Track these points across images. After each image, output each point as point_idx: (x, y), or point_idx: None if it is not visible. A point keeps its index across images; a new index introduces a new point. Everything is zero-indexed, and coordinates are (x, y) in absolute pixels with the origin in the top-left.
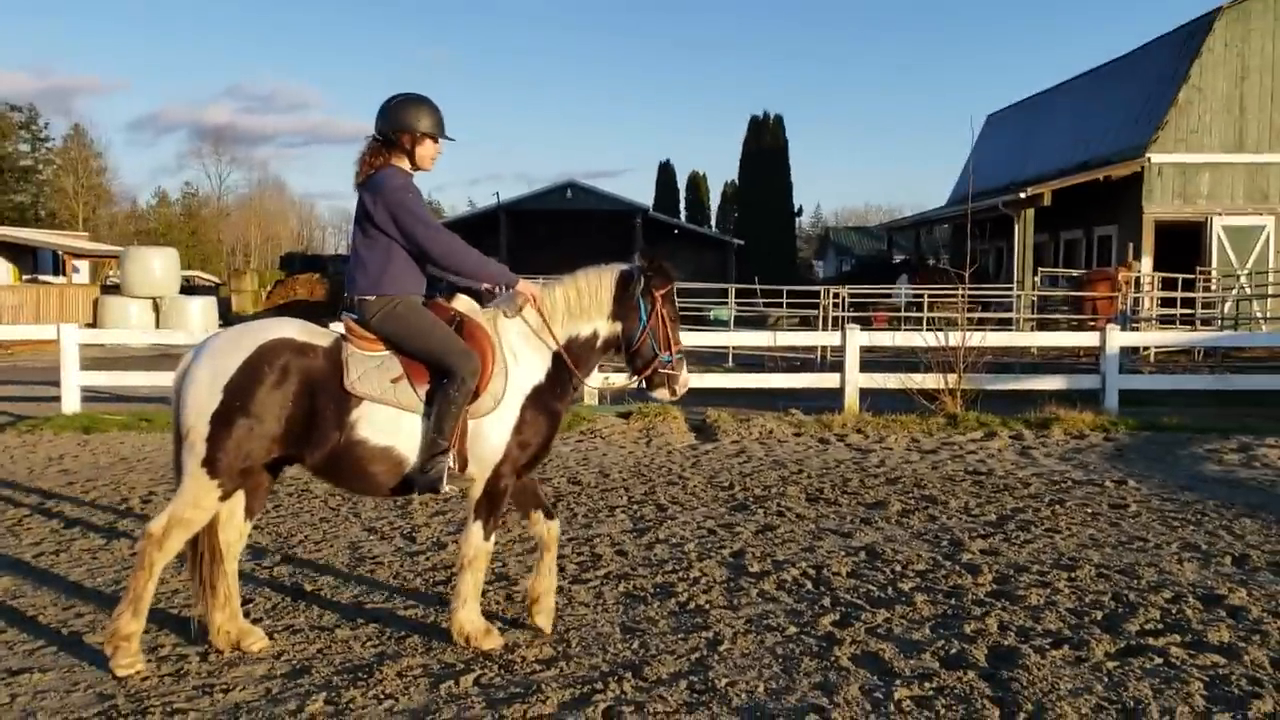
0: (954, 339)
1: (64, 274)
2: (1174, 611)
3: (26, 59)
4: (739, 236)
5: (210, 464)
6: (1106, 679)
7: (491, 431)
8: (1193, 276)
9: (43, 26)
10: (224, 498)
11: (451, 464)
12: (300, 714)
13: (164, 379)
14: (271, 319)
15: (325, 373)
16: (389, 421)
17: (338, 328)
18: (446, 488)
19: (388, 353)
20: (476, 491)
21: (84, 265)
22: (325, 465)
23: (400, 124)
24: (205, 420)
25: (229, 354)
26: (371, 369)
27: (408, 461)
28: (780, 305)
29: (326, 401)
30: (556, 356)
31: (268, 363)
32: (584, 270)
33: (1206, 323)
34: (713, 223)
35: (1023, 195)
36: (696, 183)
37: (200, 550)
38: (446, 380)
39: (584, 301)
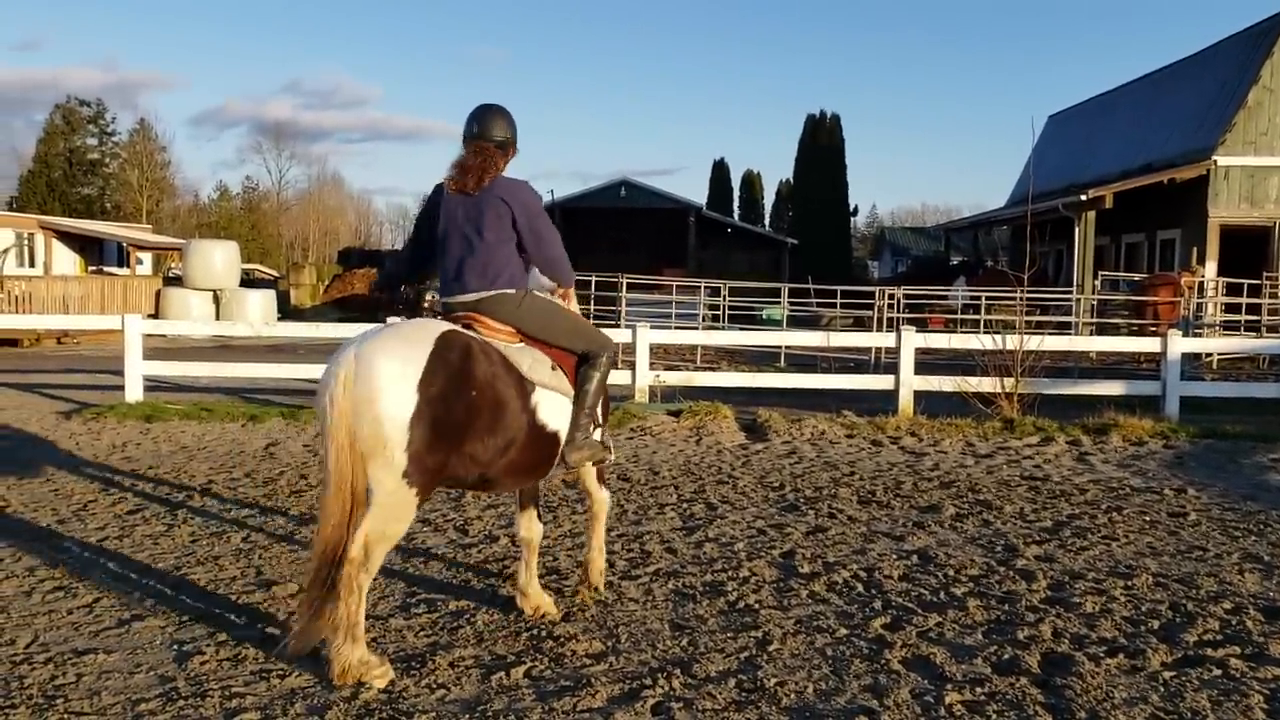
0: (1011, 342)
1: (128, 266)
2: (1234, 623)
3: (95, 54)
4: (793, 236)
5: (410, 475)
6: (1163, 689)
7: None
8: (1259, 282)
9: (111, 21)
10: (421, 504)
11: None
12: (355, 701)
13: (224, 370)
14: (418, 319)
15: (498, 365)
16: (556, 406)
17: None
18: (611, 457)
19: (523, 343)
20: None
21: (147, 257)
22: (494, 457)
23: (514, 135)
24: (402, 429)
25: (409, 354)
26: (529, 359)
27: (562, 442)
28: (834, 305)
29: (510, 393)
30: None
31: (445, 359)
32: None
33: (1273, 330)
34: (767, 221)
35: (1084, 197)
36: (751, 181)
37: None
38: (592, 361)
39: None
